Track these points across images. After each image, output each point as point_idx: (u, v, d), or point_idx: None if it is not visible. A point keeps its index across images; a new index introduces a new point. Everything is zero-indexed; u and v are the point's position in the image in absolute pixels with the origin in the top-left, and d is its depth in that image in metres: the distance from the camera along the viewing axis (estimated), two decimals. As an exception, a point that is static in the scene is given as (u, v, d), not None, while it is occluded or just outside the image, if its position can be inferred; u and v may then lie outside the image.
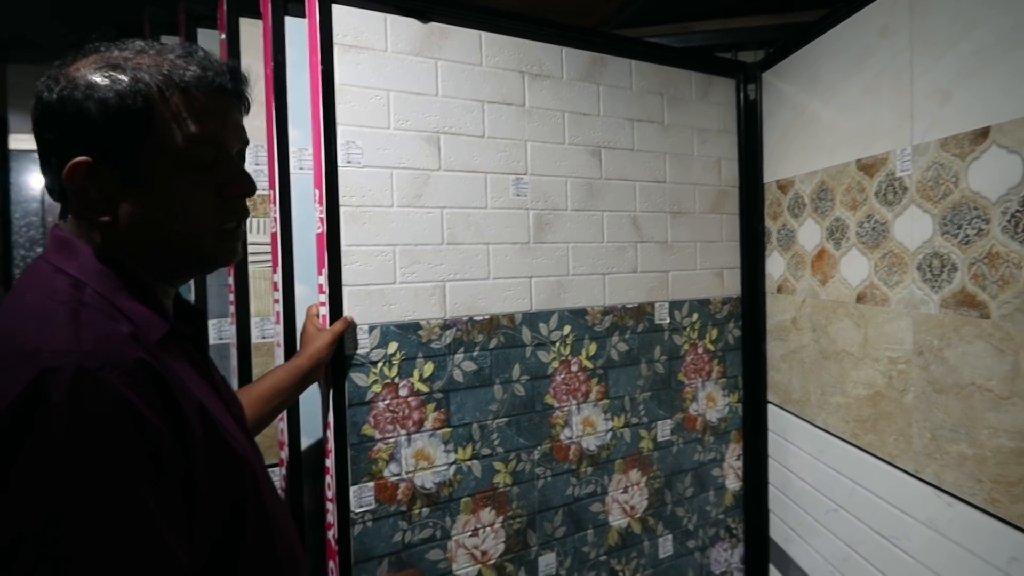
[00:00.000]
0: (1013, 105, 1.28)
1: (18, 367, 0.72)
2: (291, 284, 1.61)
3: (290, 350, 1.60)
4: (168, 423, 0.78)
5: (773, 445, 2.20)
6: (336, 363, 1.53)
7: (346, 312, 1.55)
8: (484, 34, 1.74)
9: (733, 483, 2.23)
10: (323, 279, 1.53)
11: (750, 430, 2.24)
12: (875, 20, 1.66)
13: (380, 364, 1.59)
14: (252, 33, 1.76)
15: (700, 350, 2.14)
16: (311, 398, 1.58)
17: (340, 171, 1.55)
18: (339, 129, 1.55)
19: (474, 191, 1.72)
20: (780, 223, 2.10)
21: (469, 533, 1.71)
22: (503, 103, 1.76)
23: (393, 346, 1.61)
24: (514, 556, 1.78)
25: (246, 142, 0.98)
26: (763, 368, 2.23)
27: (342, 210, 1.55)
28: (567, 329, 1.87)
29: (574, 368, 1.88)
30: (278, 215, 1.59)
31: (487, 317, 1.74)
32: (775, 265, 2.15)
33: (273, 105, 1.58)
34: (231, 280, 1.80)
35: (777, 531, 2.18)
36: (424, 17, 1.66)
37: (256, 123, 1.74)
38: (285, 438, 1.65)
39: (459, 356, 1.70)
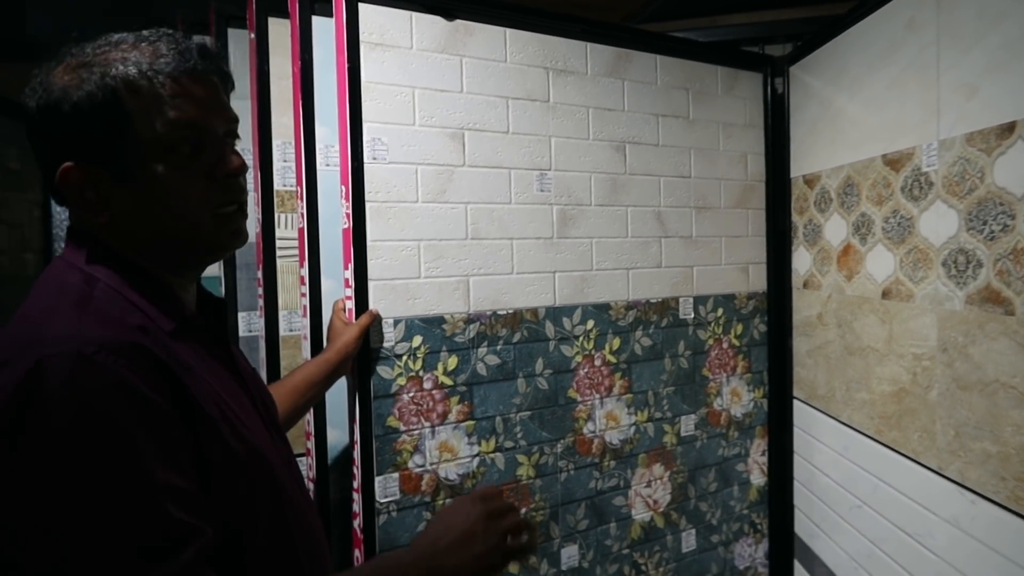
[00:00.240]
0: (1040, 100, 1.28)
1: (19, 358, 0.74)
2: (317, 278, 1.65)
3: (316, 343, 1.64)
4: (174, 404, 0.79)
5: (798, 441, 2.20)
6: (362, 356, 1.57)
7: (372, 306, 1.59)
8: (509, 31, 1.76)
9: (758, 478, 2.24)
10: (349, 274, 1.57)
11: (775, 425, 2.25)
12: (902, 14, 1.65)
13: (405, 357, 1.62)
14: (280, 33, 1.80)
15: (725, 345, 2.15)
16: (337, 389, 1.61)
17: (366, 167, 1.58)
18: (365, 126, 1.58)
19: (498, 187, 1.74)
20: (806, 218, 2.10)
21: (492, 524, 1.73)
22: (527, 99, 1.78)
23: (418, 340, 1.64)
24: (537, 548, 1.81)
25: (233, 120, 0.96)
26: (789, 363, 2.23)
27: (368, 206, 1.58)
28: (590, 323, 1.89)
29: (597, 362, 1.90)
30: (305, 211, 1.62)
31: (511, 311, 1.76)
32: (801, 260, 2.15)
33: (300, 103, 1.61)
34: (260, 274, 1.84)
35: (802, 527, 2.19)
36: (449, 15, 1.68)
37: (284, 120, 1.79)
38: (311, 429, 1.70)
39: (483, 350, 1.72)
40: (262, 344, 1.84)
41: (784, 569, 2.26)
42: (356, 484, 1.58)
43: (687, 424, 2.07)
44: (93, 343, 0.76)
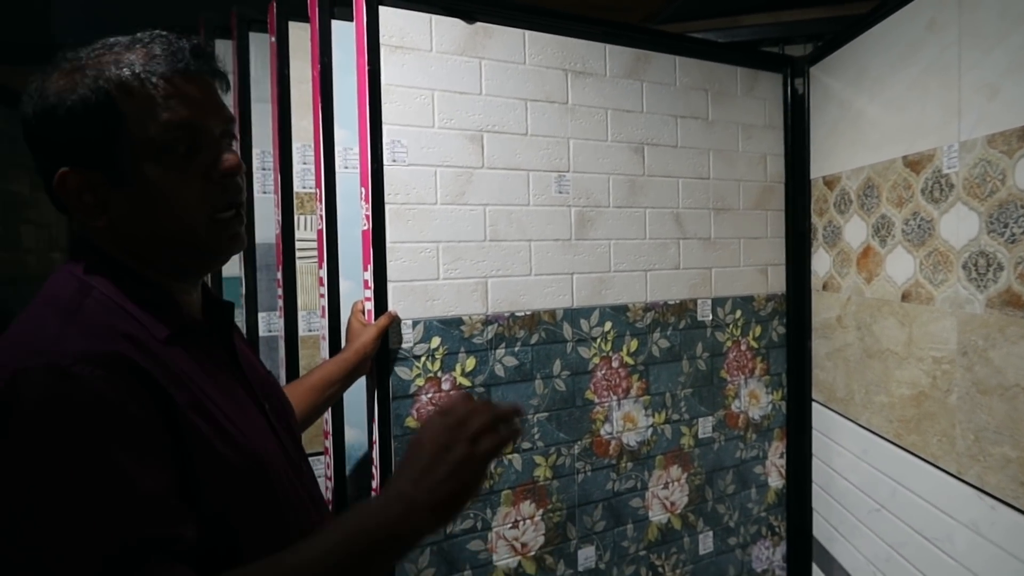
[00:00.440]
0: (1062, 101, 1.28)
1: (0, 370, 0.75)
2: (336, 279, 1.68)
3: (335, 343, 1.67)
4: (155, 413, 0.79)
5: (817, 443, 2.21)
6: (381, 357, 1.59)
7: (390, 307, 1.61)
8: (527, 32, 1.77)
9: (776, 481, 2.25)
10: (368, 275, 1.59)
11: (794, 428, 2.25)
12: (923, 14, 1.65)
13: (423, 358, 1.64)
14: (300, 37, 1.82)
15: (743, 347, 2.16)
16: (355, 389, 1.63)
17: (386, 169, 1.60)
18: (385, 128, 1.60)
19: (516, 188, 1.76)
20: (826, 220, 2.10)
21: (509, 525, 1.76)
22: (546, 101, 1.80)
23: (436, 341, 1.66)
24: (554, 548, 1.83)
25: (229, 120, 0.95)
26: (807, 366, 2.23)
27: (387, 208, 1.60)
28: (608, 325, 1.90)
29: (615, 364, 1.91)
30: (324, 213, 1.65)
31: (528, 313, 1.78)
32: (820, 262, 2.15)
33: (319, 106, 1.63)
34: (280, 275, 1.87)
35: (820, 530, 2.20)
36: (470, 18, 1.70)
37: (303, 123, 1.82)
38: (329, 428, 1.72)
39: (500, 351, 1.74)
40: (281, 344, 1.87)
41: (802, 572, 2.26)
42: (375, 484, 1.60)
43: (705, 426, 2.08)
44: (70, 355, 0.76)
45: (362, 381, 1.63)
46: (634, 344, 1.94)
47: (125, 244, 0.91)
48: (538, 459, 1.79)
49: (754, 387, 2.19)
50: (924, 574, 1.66)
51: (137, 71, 0.87)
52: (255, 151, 1.96)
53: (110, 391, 0.76)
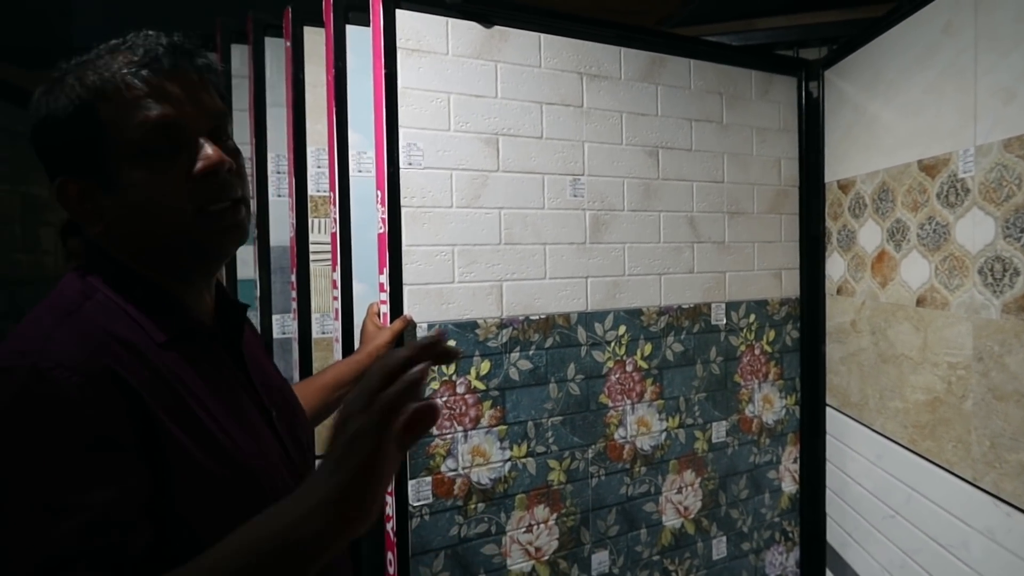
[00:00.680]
0: (1078, 107, 1.29)
1: None
2: (349, 282, 1.70)
3: (348, 345, 1.70)
4: (126, 424, 0.79)
5: (831, 448, 2.22)
6: (395, 360, 1.60)
7: (406, 310, 1.63)
8: (543, 36, 1.79)
9: (789, 486, 2.26)
10: (384, 278, 1.61)
11: (807, 433, 2.27)
12: (939, 17, 1.66)
13: (438, 361, 1.66)
14: (315, 41, 1.85)
15: (757, 351, 2.18)
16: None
17: (402, 173, 1.62)
18: (401, 131, 1.62)
19: (531, 192, 1.78)
20: (840, 224, 2.12)
21: (523, 529, 1.78)
22: (561, 104, 1.82)
23: (450, 344, 1.68)
24: (567, 553, 1.85)
25: (217, 115, 0.94)
26: (821, 370, 2.25)
27: (403, 211, 1.62)
28: (622, 329, 1.92)
29: (629, 368, 1.93)
30: (338, 216, 1.67)
31: (543, 316, 1.80)
32: (835, 266, 2.17)
33: (334, 110, 1.66)
34: (294, 277, 1.90)
35: (834, 536, 2.21)
36: (488, 22, 1.72)
37: (318, 127, 1.85)
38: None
39: (515, 355, 1.76)
40: (295, 346, 1.90)
41: (816, 578, 2.28)
42: (389, 487, 1.62)
43: (718, 430, 2.10)
44: (53, 359, 0.77)
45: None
46: (648, 348, 1.97)
47: (124, 248, 0.93)
48: (552, 463, 1.81)
49: (768, 391, 2.21)
50: (939, 581, 1.67)
51: (114, 75, 0.87)
52: (270, 155, 1.99)
53: (82, 399, 0.77)
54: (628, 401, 1.93)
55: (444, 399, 1.67)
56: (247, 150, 1.96)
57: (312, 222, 1.91)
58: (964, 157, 1.57)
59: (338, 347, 1.72)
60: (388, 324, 1.60)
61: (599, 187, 1.88)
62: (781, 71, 2.21)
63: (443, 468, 1.67)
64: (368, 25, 1.64)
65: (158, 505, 0.81)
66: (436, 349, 0.71)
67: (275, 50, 2.01)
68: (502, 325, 1.74)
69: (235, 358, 1.03)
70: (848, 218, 2.07)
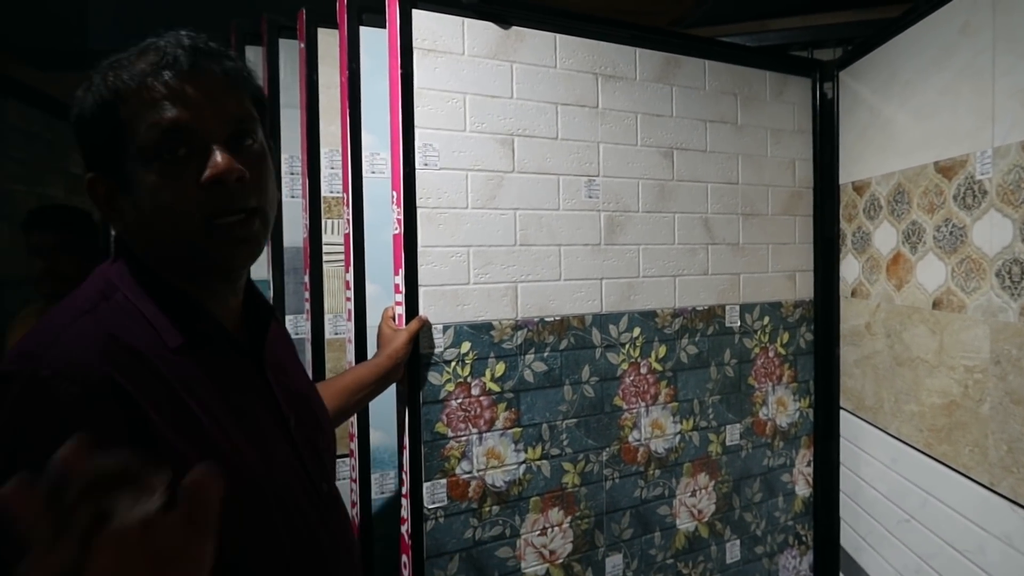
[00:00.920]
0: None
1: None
2: (362, 283, 1.72)
3: (360, 346, 1.72)
4: (130, 438, 0.79)
5: (845, 452, 2.23)
6: (411, 362, 1.62)
7: (421, 312, 1.64)
8: (558, 36, 1.81)
9: (803, 489, 2.28)
10: (400, 279, 1.63)
11: (821, 436, 2.28)
12: (956, 18, 1.66)
13: (453, 363, 1.68)
14: (329, 43, 1.87)
15: (771, 354, 2.20)
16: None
17: (417, 173, 1.64)
18: (417, 132, 1.63)
19: (547, 193, 1.80)
20: (855, 225, 2.13)
21: (538, 532, 1.79)
22: (576, 105, 1.83)
23: (466, 346, 1.70)
24: (581, 556, 1.86)
25: (237, 119, 0.92)
26: (836, 373, 2.26)
27: (419, 211, 1.64)
28: (637, 331, 1.94)
29: (643, 370, 1.95)
30: (351, 217, 1.69)
31: (558, 318, 1.82)
32: (849, 268, 2.18)
33: (347, 111, 1.68)
34: (307, 278, 1.91)
35: (848, 540, 2.22)
36: (505, 22, 1.73)
37: (332, 129, 1.86)
38: (354, 430, 1.77)
39: (530, 356, 1.78)
40: (308, 347, 1.92)
41: (829, 582, 2.29)
42: (405, 490, 1.64)
43: (732, 433, 2.12)
44: (54, 366, 0.78)
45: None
46: (662, 350, 1.98)
47: (144, 248, 0.94)
48: (567, 466, 1.83)
49: (782, 394, 2.22)
50: (956, 586, 1.68)
51: (134, 74, 0.87)
52: (284, 156, 2.01)
53: (77, 411, 0.77)
54: (642, 403, 1.95)
55: (459, 401, 1.69)
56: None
57: (325, 223, 1.92)
58: (981, 159, 1.57)
59: (351, 348, 1.74)
60: (403, 325, 1.62)
61: (614, 188, 1.89)
62: (796, 72, 2.23)
63: (458, 470, 1.69)
64: (382, 27, 1.66)
65: None
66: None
67: (289, 52, 2.02)
68: (517, 327, 1.76)
69: (257, 363, 1.03)
70: (863, 220, 2.08)
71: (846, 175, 2.19)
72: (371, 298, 1.73)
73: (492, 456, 1.73)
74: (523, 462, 1.77)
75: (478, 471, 1.71)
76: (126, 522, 0.50)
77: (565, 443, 1.83)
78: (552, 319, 1.81)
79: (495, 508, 1.73)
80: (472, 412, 1.70)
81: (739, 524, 2.15)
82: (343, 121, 1.71)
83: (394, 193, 1.63)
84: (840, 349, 2.24)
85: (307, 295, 1.92)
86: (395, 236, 1.64)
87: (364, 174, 1.71)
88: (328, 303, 1.93)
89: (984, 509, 1.57)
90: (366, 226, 1.71)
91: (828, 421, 2.28)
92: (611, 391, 1.90)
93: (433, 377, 1.66)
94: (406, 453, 1.63)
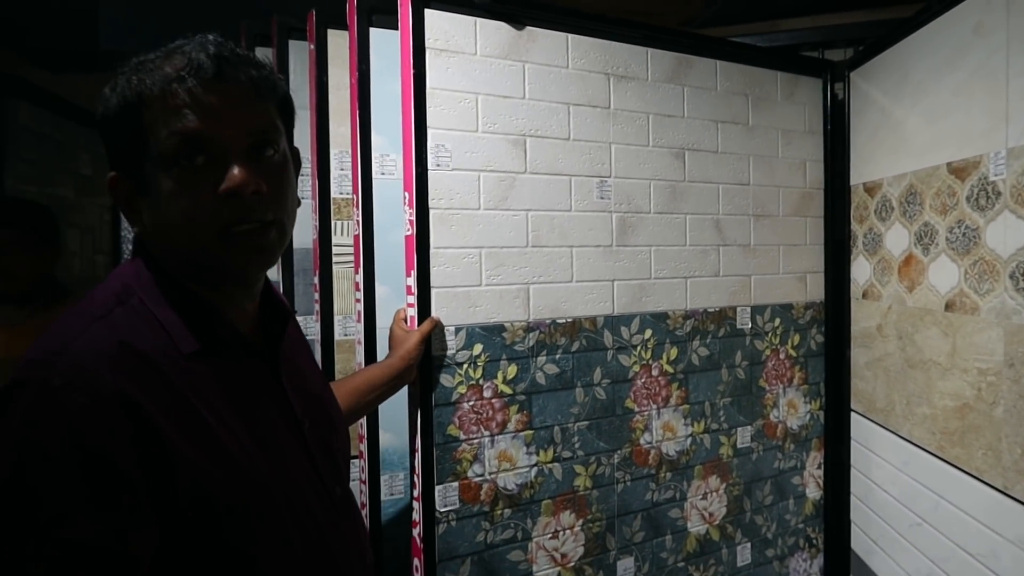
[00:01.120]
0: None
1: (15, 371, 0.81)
2: (372, 284, 1.73)
3: (370, 347, 1.72)
4: (128, 450, 0.80)
5: (855, 454, 2.24)
6: (423, 364, 1.63)
7: (433, 314, 1.65)
8: (571, 36, 1.82)
9: (814, 492, 2.29)
10: (412, 281, 1.63)
11: (832, 438, 2.29)
12: (969, 17, 1.67)
13: (465, 365, 1.69)
14: (339, 44, 1.88)
15: (782, 356, 2.21)
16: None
17: (429, 174, 1.64)
18: (429, 132, 1.64)
19: (559, 194, 1.81)
20: (866, 227, 2.14)
21: (549, 535, 1.80)
22: (588, 105, 1.84)
23: (478, 348, 1.71)
24: (593, 559, 1.87)
25: (258, 131, 0.93)
26: (846, 375, 2.27)
27: (431, 212, 1.65)
28: (648, 333, 1.94)
29: (655, 372, 1.96)
30: (360, 218, 1.70)
31: (569, 320, 1.82)
32: (860, 270, 2.19)
33: (357, 112, 1.68)
34: (316, 279, 1.92)
35: (858, 543, 2.23)
36: (519, 23, 1.74)
37: (341, 130, 1.88)
38: (364, 431, 1.78)
39: (542, 359, 1.78)
40: (318, 348, 1.93)
41: (839, 586, 2.30)
42: (416, 493, 1.65)
43: (743, 436, 2.13)
44: (64, 376, 0.79)
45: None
46: (674, 352, 1.99)
47: (160, 251, 0.95)
48: (578, 468, 1.84)
49: (792, 396, 2.23)
50: (968, 590, 1.68)
51: (159, 80, 0.88)
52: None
53: (85, 423, 0.78)
54: (654, 406, 1.96)
55: (471, 404, 1.70)
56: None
57: (335, 224, 1.94)
58: (995, 160, 1.58)
59: (360, 349, 1.75)
60: (415, 327, 1.63)
61: (626, 189, 1.90)
62: (807, 72, 2.24)
63: (470, 473, 1.69)
64: (391, 28, 1.67)
65: (163, 527, 0.82)
66: None
67: (299, 53, 2.03)
68: (529, 328, 1.77)
69: (272, 367, 1.04)
70: (874, 221, 2.09)
71: (857, 176, 2.20)
72: (380, 299, 1.74)
73: (504, 459, 1.74)
74: (535, 465, 1.78)
75: (490, 474, 1.72)
76: None
77: (577, 446, 1.83)
78: (564, 321, 1.81)
79: (507, 511, 1.74)
80: (484, 414, 1.71)
81: (750, 527, 2.16)
82: (352, 122, 1.72)
83: (406, 194, 1.63)
84: (851, 351, 2.24)
85: (316, 296, 1.94)
86: (407, 237, 1.64)
87: (374, 175, 1.72)
88: (337, 304, 1.95)
89: (997, 513, 1.57)
90: (376, 227, 1.72)
91: (839, 423, 2.29)
92: (623, 393, 1.91)
93: (445, 379, 1.67)
94: (418, 456, 1.64)
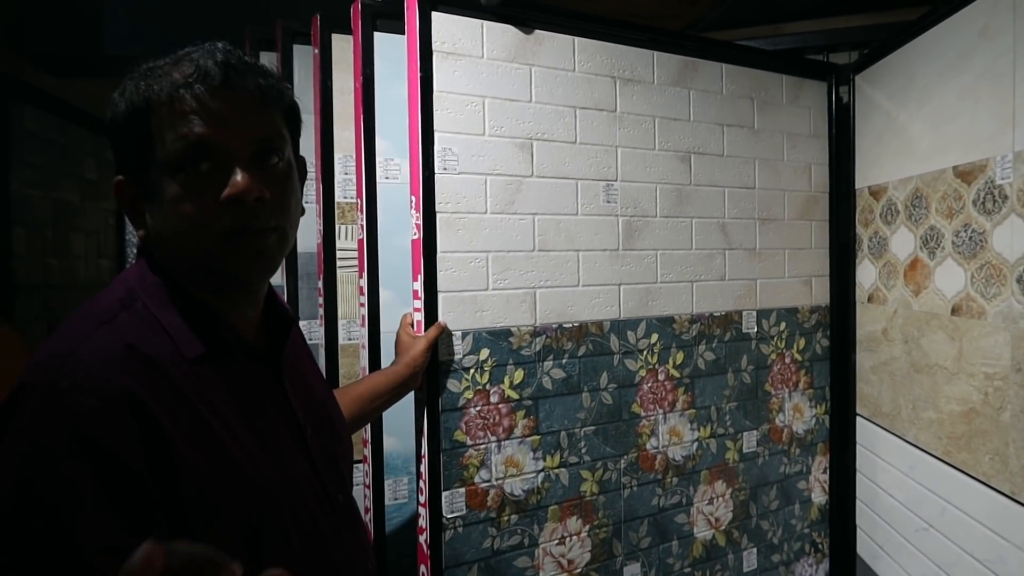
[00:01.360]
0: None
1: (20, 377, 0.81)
2: (376, 288, 1.74)
3: (374, 352, 1.74)
4: (136, 453, 0.80)
5: (861, 459, 2.25)
6: (430, 369, 1.64)
7: (440, 318, 1.65)
8: (577, 39, 1.83)
9: (819, 497, 2.30)
10: (419, 285, 1.64)
11: (837, 443, 2.30)
12: (975, 20, 1.67)
13: (472, 370, 1.70)
14: (344, 49, 1.90)
15: (787, 360, 2.22)
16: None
17: (436, 178, 1.65)
18: (436, 136, 1.64)
19: (565, 198, 1.82)
20: (872, 230, 2.15)
21: (556, 541, 1.81)
22: (595, 109, 1.85)
23: (485, 352, 1.71)
24: (599, 565, 1.88)
25: (262, 138, 0.94)
26: (852, 380, 2.28)
27: (438, 216, 1.65)
28: (654, 337, 1.95)
29: (661, 377, 1.97)
30: (365, 223, 1.71)
31: (576, 324, 1.83)
32: (866, 274, 2.20)
33: (361, 117, 1.70)
34: (320, 284, 1.94)
35: (864, 548, 2.24)
36: (527, 27, 1.75)
37: (346, 135, 1.89)
38: (368, 436, 1.79)
39: (548, 363, 1.79)
40: (322, 352, 1.94)
41: (845, 591, 2.31)
42: (423, 499, 1.65)
43: (749, 440, 2.14)
44: (71, 379, 0.80)
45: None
46: (680, 356, 2.00)
47: (164, 256, 0.96)
48: (585, 473, 1.85)
49: (798, 401, 2.24)
50: (976, 595, 1.68)
51: (166, 86, 0.89)
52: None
53: (93, 425, 0.79)
54: (660, 410, 1.97)
55: (478, 409, 1.70)
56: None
57: (339, 229, 1.95)
58: (1002, 163, 1.58)
59: (365, 354, 1.76)
60: (422, 332, 1.64)
61: (632, 193, 1.91)
62: (812, 76, 2.26)
63: (476, 479, 1.70)
64: (396, 32, 1.68)
65: (168, 528, 0.82)
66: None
67: (303, 57, 2.05)
68: (535, 333, 1.78)
69: (275, 373, 1.05)
70: (880, 225, 2.10)
71: (862, 180, 2.21)
72: (385, 304, 1.75)
73: (511, 464, 1.74)
74: (541, 470, 1.78)
75: (497, 480, 1.73)
76: None
77: (583, 451, 1.84)
78: (570, 325, 1.82)
79: (513, 517, 1.75)
80: (491, 420, 1.72)
81: (756, 532, 2.17)
82: (357, 127, 1.73)
83: (413, 198, 1.64)
84: (856, 355, 2.25)
85: (321, 300, 1.95)
86: (414, 241, 1.65)
87: (378, 180, 1.74)
88: (342, 309, 1.96)
89: (1004, 518, 1.57)
90: (380, 232, 1.73)
91: (844, 428, 2.30)
92: (629, 398, 1.92)
93: (452, 384, 1.67)
94: (425, 462, 1.65)
